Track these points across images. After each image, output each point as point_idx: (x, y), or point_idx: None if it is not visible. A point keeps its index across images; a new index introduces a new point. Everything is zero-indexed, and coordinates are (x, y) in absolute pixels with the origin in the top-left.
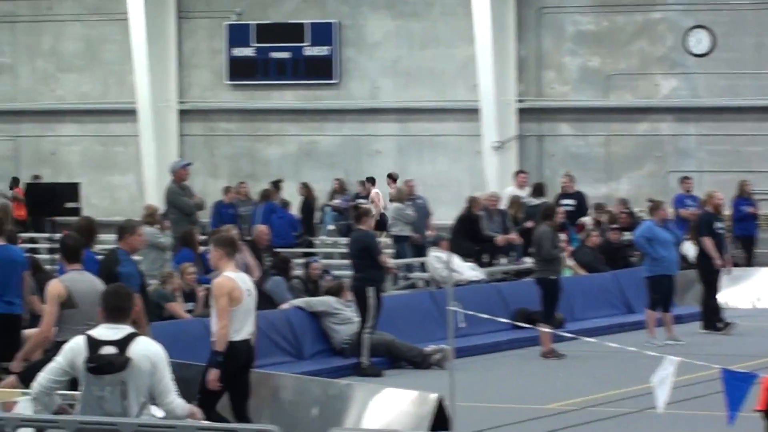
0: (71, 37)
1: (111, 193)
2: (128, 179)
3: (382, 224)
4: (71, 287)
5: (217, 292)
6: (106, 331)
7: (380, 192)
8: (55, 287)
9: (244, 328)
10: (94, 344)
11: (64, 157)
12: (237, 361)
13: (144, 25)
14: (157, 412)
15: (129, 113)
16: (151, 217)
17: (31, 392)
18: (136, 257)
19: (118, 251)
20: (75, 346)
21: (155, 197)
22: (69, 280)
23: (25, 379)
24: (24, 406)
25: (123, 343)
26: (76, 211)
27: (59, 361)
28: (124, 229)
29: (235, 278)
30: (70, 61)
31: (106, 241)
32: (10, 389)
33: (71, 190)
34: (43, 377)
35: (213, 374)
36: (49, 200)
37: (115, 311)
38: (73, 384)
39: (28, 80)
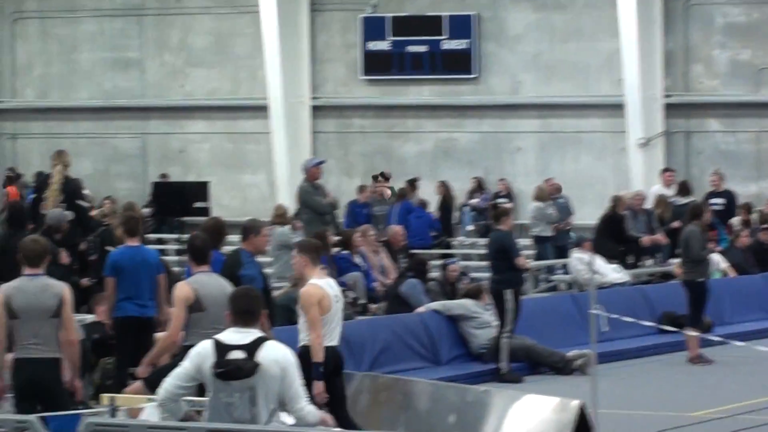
0: (200, 31)
1: (241, 192)
2: (259, 178)
3: None
4: (199, 290)
5: (306, 302)
6: (235, 335)
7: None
8: (182, 290)
9: (332, 335)
10: (221, 349)
11: (193, 155)
12: (326, 367)
13: (276, 17)
14: (288, 419)
15: (260, 109)
16: (281, 217)
17: (157, 398)
18: (266, 259)
19: (242, 253)
20: (202, 351)
21: (287, 196)
22: (197, 283)
23: (152, 384)
24: (150, 412)
25: (252, 348)
26: (205, 211)
27: (186, 366)
28: (249, 230)
29: (323, 285)
30: (200, 55)
31: (236, 242)
32: (136, 395)
33: (200, 190)
34: (169, 383)
35: (318, 387)
36: (177, 200)
37: (243, 314)
38: (200, 390)
39: (155, 75)
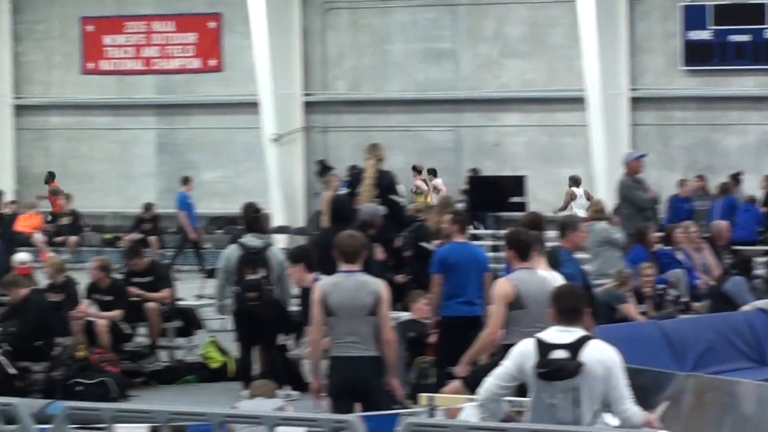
0: (515, 21)
1: (558, 186)
2: (576, 172)
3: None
4: (520, 287)
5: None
6: (557, 334)
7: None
8: (503, 287)
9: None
10: (544, 348)
11: (508, 148)
12: None
13: (594, 6)
14: (612, 421)
15: (577, 101)
16: (599, 212)
17: (477, 398)
18: (583, 255)
19: (560, 250)
20: (524, 350)
21: (605, 190)
22: (518, 280)
23: (470, 384)
24: (469, 413)
25: (575, 347)
26: (521, 206)
27: (507, 365)
28: (567, 226)
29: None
30: (515, 46)
31: (552, 238)
32: (455, 395)
33: (516, 184)
34: (490, 382)
35: None
36: (493, 194)
37: (567, 313)
38: (521, 390)
39: (469, 67)
